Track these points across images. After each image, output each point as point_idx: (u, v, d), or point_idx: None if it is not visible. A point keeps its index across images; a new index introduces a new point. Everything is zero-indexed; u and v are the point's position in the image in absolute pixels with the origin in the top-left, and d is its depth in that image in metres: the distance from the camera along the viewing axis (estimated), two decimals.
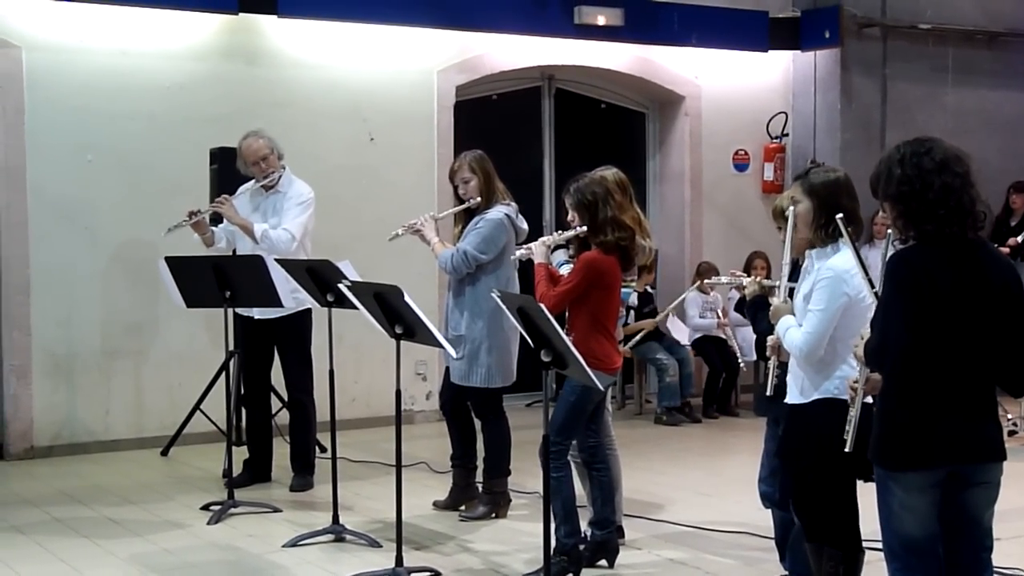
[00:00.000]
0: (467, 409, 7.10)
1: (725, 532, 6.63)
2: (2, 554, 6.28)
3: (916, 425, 3.85)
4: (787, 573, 5.31)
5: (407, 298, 5.50)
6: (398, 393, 5.81)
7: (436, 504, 7.19)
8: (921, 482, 3.89)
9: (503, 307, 5.32)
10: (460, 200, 6.93)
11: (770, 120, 11.68)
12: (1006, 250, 10.80)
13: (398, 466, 5.86)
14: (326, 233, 8.32)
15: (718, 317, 10.56)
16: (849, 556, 4.74)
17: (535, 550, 5.86)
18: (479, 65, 10.41)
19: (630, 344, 9.83)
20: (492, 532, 6.73)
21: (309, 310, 7.54)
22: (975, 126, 11.52)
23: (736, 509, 6.96)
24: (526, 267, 6.33)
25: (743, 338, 10.05)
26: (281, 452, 7.96)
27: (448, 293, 7.04)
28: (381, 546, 6.30)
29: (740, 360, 9.86)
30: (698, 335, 10.69)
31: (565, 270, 6.08)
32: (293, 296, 7.07)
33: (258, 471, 7.86)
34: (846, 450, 4.19)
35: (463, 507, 7.08)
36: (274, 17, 9.38)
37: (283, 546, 6.39)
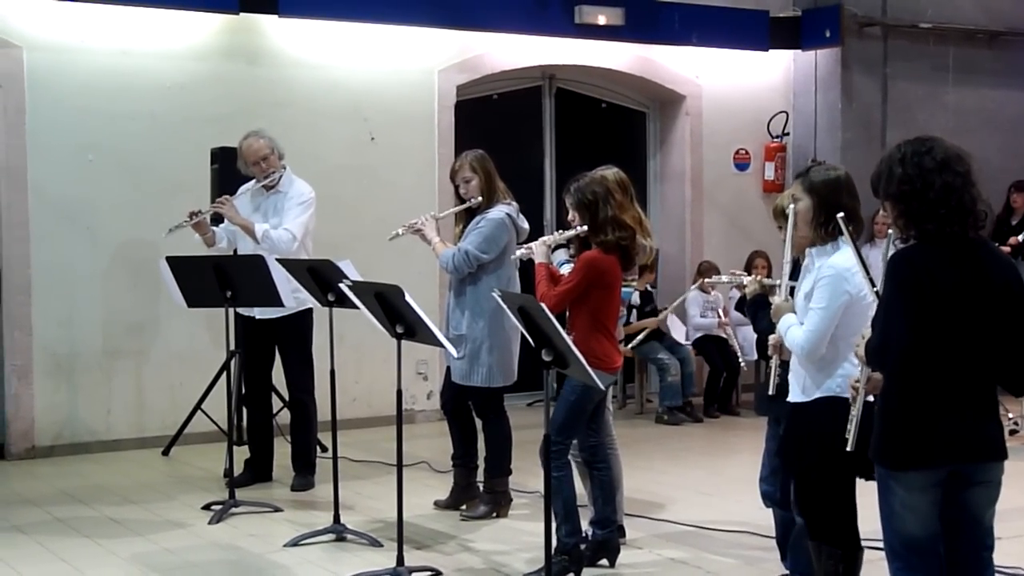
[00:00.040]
0: (468, 408, 7.10)
1: (726, 531, 6.63)
2: (4, 554, 6.29)
3: (917, 424, 3.85)
4: (788, 572, 5.32)
5: (408, 297, 5.50)
6: (399, 393, 5.81)
7: (437, 504, 7.20)
8: (922, 481, 3.89)
9: (504, 306, 5.32)
10: (461, 200, 6.93)
11: (771, 119, 11.67)
12: (1007, 249, 10.80)
13: (399, 465, 5.86)
14: (327, 233, 8.32)
15: (719, 316, 10.56)
16: (848, 555, 4.74)
17: (536, 549, 5.86)
18: (480, 65, 10.41)
19: (632, 344, 9.84)
20: (493, 531, 6.74)
21: (310, 310, 7.54)
22: (976, 125, 11.52)
23: (737, 508, 6.96)
24: (527, 267, 6.33)
25: (744, 337, 10.05)
26: (282, 452, 7.97)
27: (449, 293, 7.04)
28: (382, 545, 6.30)
29: (741, 359, 9.86)
30: (699, 334, 10.70)
31: (566, 270, 6.08)
32: (294, 296, 7.07)
33: (259, 471, 7.87)
34: (848, 449, 4.19)
35: (464, 506, 7.09)
36: (275, 17, 9.38)
37: (284, 546, 6.39)
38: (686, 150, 11.47)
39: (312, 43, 9.64)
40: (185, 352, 9.19)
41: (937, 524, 3.93)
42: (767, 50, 11.52)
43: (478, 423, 7.11)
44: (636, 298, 10.25)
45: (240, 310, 7.59)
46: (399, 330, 5.66)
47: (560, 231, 6.06)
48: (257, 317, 7.59)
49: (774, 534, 5.63)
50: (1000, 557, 4.17)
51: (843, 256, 4.56)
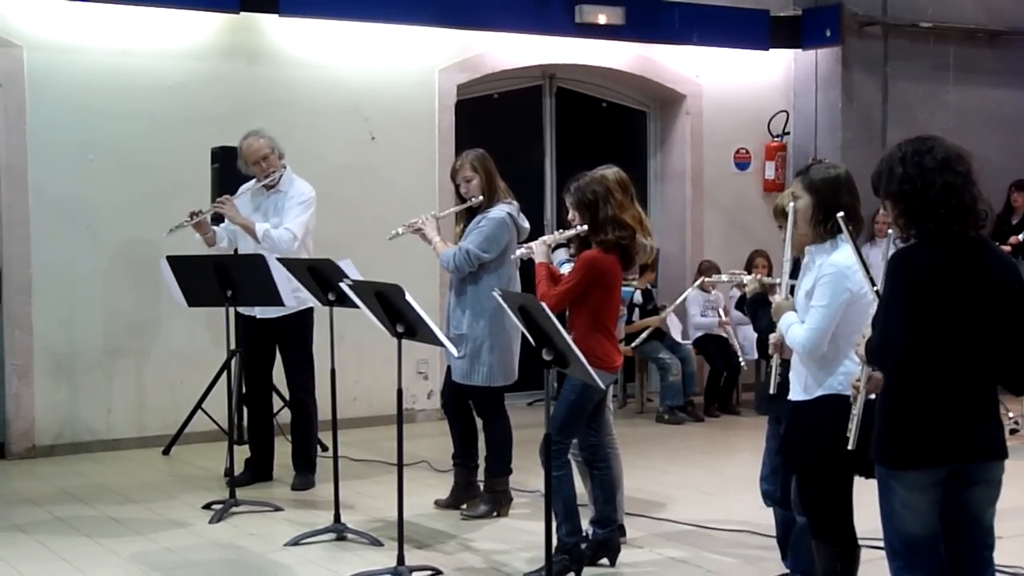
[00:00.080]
0: (469, 408, 7.10)
1: (726, 531, 6.63)
2: (4, 553, 6.29)
3: (918, 424, 3.85)
4: (788, 571, 5.32)
5: (408, 297, 5.50)
6: (399, 392, 5.82)
7: (438, 503, 7.20)
8: (923, 480, 3.89)
9: (505, 306, 5.32)
10: (462, 199, 6.93)
11: (771, 119, 11.67)
12: (1008, 248, 10.81)
13: (399, 465, 5.86)
14: (327, 232, 8.33)
15: (719, 316, 10.56)
16: (846, 553, 4.74)
17: (537, 549, 5.86)
18: (480, 64, 10.41)
19: (635, 343, 9.87)
20: (494, 531, 6.74)
21: (311, 309, 7.54)
22: (976, 124, 11.52)
23: (737, 508, 6.96)
24: (527, 266, 6.33)
25: (744, 337, 10.05)
26: (283, 451, 7.97)
27: (450, 292, 7.04)
28: (383, 545, 6.31)
29: (741, 359, 9.86)
30: (699, 334, 10.70)
31: (566, 269, 6.08)
32: (295, 295, 7.08)
33: (260, 470, 7.87)
34: (849, 448, 4.18)
35: (465, 506, 7.09)
36: (275, 16, 9.39)
37: (285, 545, 6.40)
38: (686, 149, 11.47)
39: (312, 42, 9.64)
40: (186, 351, 9.19)
41: (937, 523, 3.93)
42: (767, 49, 11.52)
43: (479, 422, 7.11)
44: (639, 297, 10.27)
45: (241, 309, 7.59)
46: (399, 329, 5.67)
47: (560, 230, 6.06)
48: (258, 316, 7.59)
49: (775, 533, 5.63)
50: (1000, 556, 4.17)
51: (843, 254, 4.55)
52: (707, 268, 10.43)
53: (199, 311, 8.48)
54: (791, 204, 4.78)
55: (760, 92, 11.65)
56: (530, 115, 11.11)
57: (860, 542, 4.89)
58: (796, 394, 4.72)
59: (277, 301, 7.02)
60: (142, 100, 9.04)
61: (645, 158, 11.76)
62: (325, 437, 7.92)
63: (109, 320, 9.01)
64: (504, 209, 6.83)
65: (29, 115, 8.72)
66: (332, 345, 6.50)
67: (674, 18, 10.96)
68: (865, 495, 4.37)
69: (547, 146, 11.20)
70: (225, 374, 7.76)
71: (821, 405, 4.60)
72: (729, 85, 11.50)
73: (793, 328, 4.64)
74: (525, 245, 6.22)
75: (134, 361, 9.10)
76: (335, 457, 6.63)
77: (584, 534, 5.98)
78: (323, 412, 7.42)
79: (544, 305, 4.92)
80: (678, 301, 9.75)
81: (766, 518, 5.77)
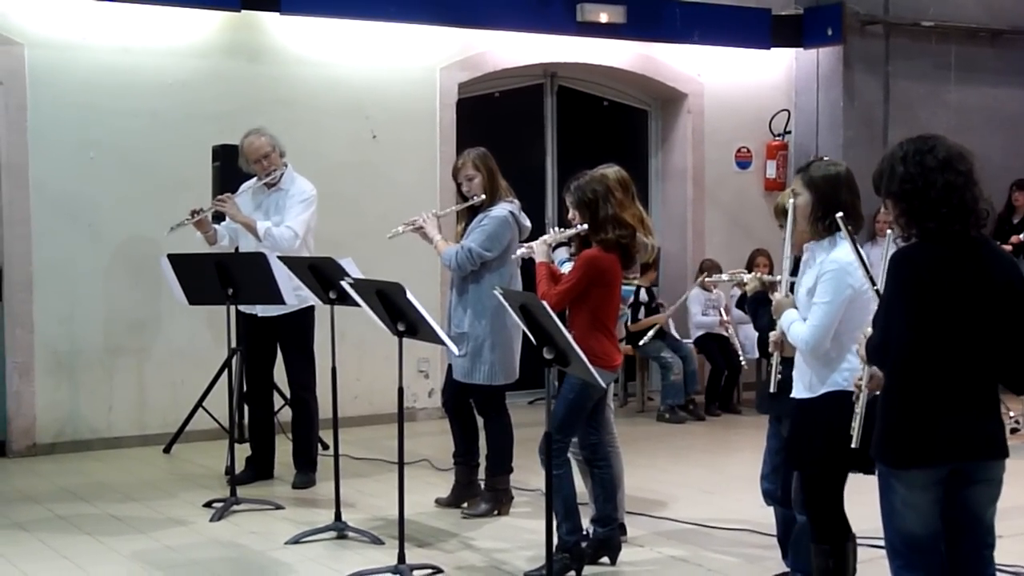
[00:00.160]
0: (470, 406, 7.10)
1: (727, 529, 6.63)
2: (5, 551, 6.29)
3: (918, 422, 3.85)
4: (789, 570, 5.32)
5: (409, 295, 5.50)
6: (400, 390, 5.82)
7: (438, 501, 7.20)
8: (923, 479, 3.89)
9: (506, 304, 5.32)
10: (463, 197, 6.92)
11: (772, 117, 11.67)
12: (1009, 248, 10.80)
13: (400, 463, 5.86)
14: (328, 230, 8.33)
15: (720, 315, 10.56)
16: (838, 548, 4.74)
17: (537, 547, 5.87)
18: (482, 63, 10.41)
19: (642, 341, 9.90)
20: (494, 529, 6.74)
21: (312, 307, 7.54)
22: (978, 123, 11.51)
23: (738, 507, 6.96)
24: (529, 265, 6.33)
25: (745, 335, 10.02)
26: (283, 449, 7.97)
27: (451, 291, 7.04)
28: (383, 543, 6.31)
29: (742, 358, 9.84)
30: (701, 332, 10.70)
31: (567, 268, 6.07)
32: (296, 293, 7.08)
33: (260, 468, 7.87)
34: (853, 446, 4.18)
35: (465, 504, 7.09)
36: (276, 14, 9.38)
37: (285, 543, 6.40)
38: (688, 148, 11.47)
39: (314, 40, 9.64)
40: (186, 349, 9.19)
41: (938, 522, 3.93)
42: (769, 48, 11.52)
43: (479, 421, 7.11)
44: (644, 295, 10.29)
45: (242, 308, 7.59)
46: (400, 328, 5.67)
47: (560, 228, 6.06)
48: (259, 315, 7.59)
49: (775, 532, 5.62)
50: (1001, 555, 4.17)
51: (843, 250, 4.55)
52: (709, 267, 10.42)
53: (200, 309, 8.48)
54: (791, 201, 4.78)
55: (761, 91, 11.65)
56: (531, 114, 11.11)
57: (860, 541, 4.90)
58: (800, 392, 4.72)
59: (278, 299, 7.02)
60: (143, 98, 9.04)
61: (646, 157, 11.76)
62: (326, 435, 7.92)
63: (110, 318, 9.01)
64: (506, 208, 6.82)
65: (30, 113, 8.72)
66: (333, 343, 6.50)
67: (675, 17, 10.96)
68: (865, 493, 4.37)
69: (548, 145, 11.19)
70: (226, 372, 7.76)
71: (825, 402, 4.60)
72: (730, 84, 11.49)
73: (795, 325, 4.64)
74: (526, 245, 6.22)
75: (135, 359, 9.11)
76: (336, 455, 6.63)
77: (585, 533, 5.98)
78: (324, 410, 7.42)
79: (545, 304, 4.92)
80: (681, 300, 9.75)
81: (767, 517, 5.77)
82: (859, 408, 4.17)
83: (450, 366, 7.06)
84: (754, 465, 5.76)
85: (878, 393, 4.12)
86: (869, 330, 3.96)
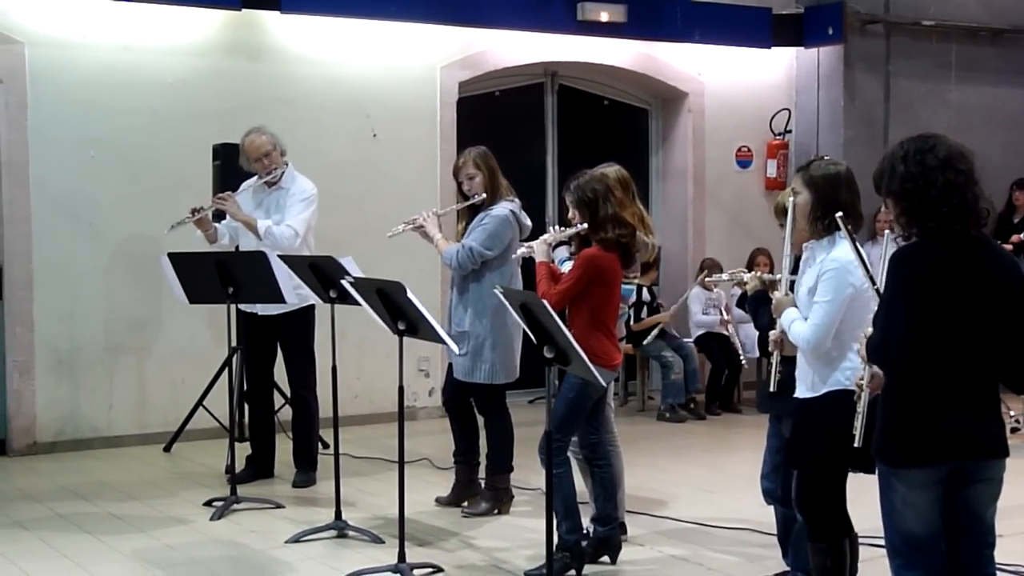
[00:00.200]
0: (470, 405, 7.10)
1: (727, 528, 6.63)
2: (6, 550, 6.29)
3: (919, 422, 3.85)
4: (789, 569, 5.32)
5: (410, 294, 5.50)
6: (401, 389, 5.82)
7: (439, 500, 7.19)
8: (924, 479, 3.89)
9: (506, 303, 5.32)
10: (464, 196, 6.92)
11: (773, 117, 11.67)
12: (1009, 247, 10.79)
13: (401, 462, 5.86)
14: (329, 229, 8.32)
15: (721, 314, 10.56)
16: (836, 546, 4.74)
17: (538, 546, 5.86)
18: (482, 61, 10.41)
19: (646, 341, 9.95)
20: (495, 528, 6.74)
21: (312, 306, 7.54)
22: (978, 123, 11.51)
23: (738, 505, 6.96)
24: (529, 264, 6.33)
25: (746, 335, 10.04)
26: (284, 448, 7.97)
27: (452, 289, 7.04)
28: (384, 542, 6.31)
29: (743, 357, 9.86)
30: (701, 332, 10.70)
31: (568, 267, 6.07)
32: (296, 292, 7.08)
33: (261, 467, 7.87)
34: (856, 445, 4.18)
35: (466, 503, 7.09)
36: (277, 13, 9.38)
37: (286, 542, 6.40)
38: (688, 147, 11.46)
39: (314, 39, 9.64)
40: (187, 348, 9.19)
41: (938, 521, 3.93)
42: (770, 47, 11.51)
43: (480, 420, 7.11)
44: (646, 294, 10.30)
45: (242, 306, 7.59)
46: (401, 327, 5.67)
47: (560, 228, 6.05)
48: (259, 313, 7.59)
49: (775, 531, 5.62)
50: (1001, 554, 4.17)
51: (843, 249, 4.55)
52: (709, 266, 10.42)
53: (200, 308, 8.48)
54: (791, 200, 4.78)
55: (762, 90, 11.65)
56: (532, 112, 11.11)
57: (861, 540, 4.90)
58: (802, 392, 4.72)
59: (278, 298, 7.02)
60: (143, 96, 9.04)
61: (647, 156, 11.76)
62: (326, 434, 7.92)
63: (110, 317, 9.01)
64: (507, 206, 6.82)
65: (30, 111, 8.72)
66: (333, 342, 6.50)
67: (676, 16, 10.96)
68: (866, 492, 4.37)
69: (549, 144, 11.19)
70: (226, 371, 7.76)
71: (827, 401, 4.60)
72: (731, 83, 11.49)
73: (796, 324, 4.63)
74: (526, 244, 6.22)
75: (135, 358, 9.11)
76: (336, 454, 6.63)
77: (585, 532, 5.98)
78: (324, 409, 7.41)
79: (545, 303, 4.92)
80: (682, 299, 9.79)
81: (767, 516, 5.77)
82: (861, 407, 4.17)
83: (450, 365, 7.06)
84: (754, 464, 5.76)
85: (879, 393, 4.13)
86: (870, 329, 3.96)
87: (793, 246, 4.85)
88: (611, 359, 5.87)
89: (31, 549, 6.33)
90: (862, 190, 4.71)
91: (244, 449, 7.96)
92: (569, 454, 5.96)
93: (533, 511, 6.92)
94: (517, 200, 6.93)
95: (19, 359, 8.73)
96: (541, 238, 6.05)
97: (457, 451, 7.18)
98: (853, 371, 4.45)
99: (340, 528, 6.48)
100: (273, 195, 7.61)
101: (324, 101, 9.65)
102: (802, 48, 11.69)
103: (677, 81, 11.34)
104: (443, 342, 5.73)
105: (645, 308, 10.34)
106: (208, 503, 7.14)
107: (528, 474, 7.34)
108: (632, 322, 10.24)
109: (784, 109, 11.71)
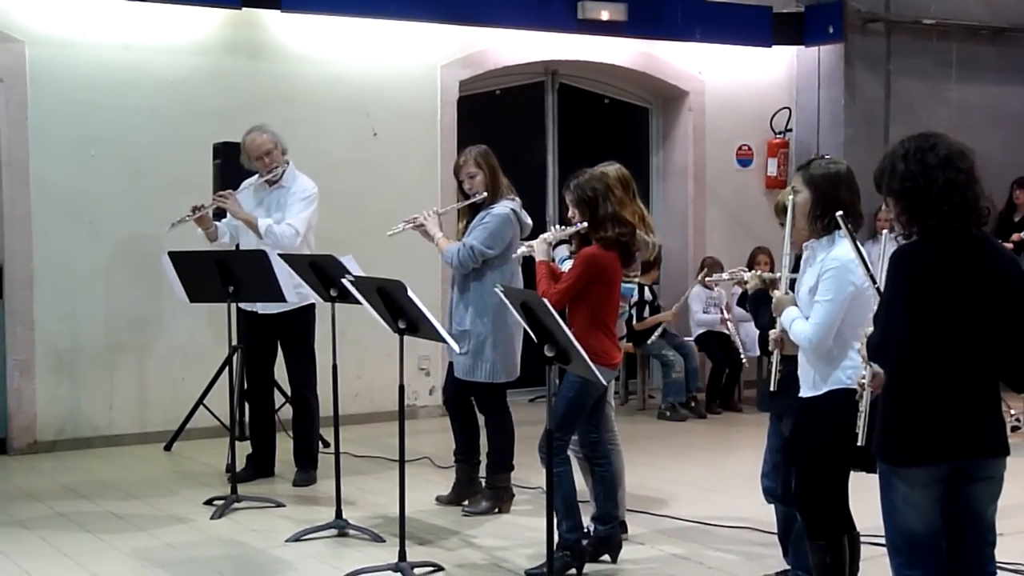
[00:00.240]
0: (471, 404, 7.10)
1: (728, 527, 6.63)
2: (5, 549, 6.29)
3: (919, 421, 3.85)
4: (789, 568, 5.32)
5: (410, 293, 5.50)
6: (401, 388, 5.82)
7: (439, 499, 7.20)
8: (924, 477, 3.89)
9: (507, 302, 5.31)
10: (464, 195, 6.92)
11: (774, 115, 11.67)
12: (1010, 246, 10.79)
13: (401, 461, 5.86)
14: (329, 228, 8.32)
15: (722, 313, 10.56)
16: (832, 544, 4.74)
17: (538, 545, 5.87)
18: (483, 60, 10.40)
19: (649, 340, 9.95)
20: (495, 527, 6.74)
21: (312, 305, 7.54)
22: (979, 121, 11.50)
23: (739, 504, 6.96)
24: (529, 263, 6.33)
25: (746, 333, 10.05)
26: (284, 447, 7.97)
27: (452, 288, 7.03)
28: (384, 541, 6.31)
29: (743, 355, 9.86)
30: (702, 330, 10.70)
31: (568, 266, 6.07)
32: (296, 291, 7.08)
33: (261, 466, 7.87)
34: (859, 444, 4.17)
35: (466, 502, 7.09)
36: (277, 12, 9.38)
37: (286, 541, 6.40)
38: (689, 146, 11.46)
39: (315, 38, 9.64)
40: (187, 347, 9.19)
41: (939, 520, 3.93)
42: (770, 46, 11.51)
43: (480, 419, 7.11)
44: (648, 293, 10.30)
45: (242, 305, 7.59)
46: (401, 326, 5.66)
47: (560, 227, 6.05)
48: (259, 312, 7.59)
49: (776, 530, 5.62)
50: (1002, 553, 4.16)
51: (844, 248, 4.55)
52: (710, 264, 10.42)
53: (200, 307, 8.46)
54: (791, 198, 4.78)
55: (762, 89, 11.64)
56: (532, 111, 11.11)
57: (862, 539, 4.90)
58: (804, 391, 4.72)
59: (279, 297, 7.02)
60: (144, 95, 9.03)
61: (647, 155, 11.75)
62: (327, 433, 7.92)
63: (111, 315, 9.01)
64: (507, 205, 6.82)
65: (31, 110, 8.72)
66: (334, 341, 6.49)
67: (677, 14, 10.96)
68: (867, 491, 4.37)
69: (549, 142, 11.19)
70: (227, 370, 7.76)
71: (829, 400, 4.60)
72: (731, 82, 11.49)
73: (797, 323, 4.63)
74: (526, 244, 6.22)
75: (136, 357, 9.11)
76: (336, 453, 6.63)
77: (585, 530, 5.98)
78: (325, 408, 7.41)
79: (546, 301, 4.92)
80: (684, 298, 9.79)
81: (767, 515, 5.77)
82: (863, 406, 4.16)
83: (451, 364, 7.06)
84: (755, 463, 5.76)
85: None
86: (870, 328, 3.96)
87: (793, 245, 4.85)
88: (611, 358, 5.87)
89: (32, 548, 6.34)
90: (862, 189, 4.71)
91: (244, 448, 7.96)
92: (569, 453, 5.96)
93: (534, 510, 6.92)
94: (518, 199, 6.93)
95: (19, 358, 8.73)
96: (541, 237, 6.04)
97: (457, 450, 7.18)
98: (854, 370, 4.45)
99: (341, 527, 6.48)
100: (274, 194, 7.61)
101: (325, 100, 9.65)
102: (803, 47, 11.68)
103: (678, 80, 11.34)
104: (444, 341, 5.73)
105: (647, 307, 10.35)
106: (209, 502, 7.14)
107: (528, 473, 7.34)
108: (633, 321, 10.24)
109: (784, 108, 11.70)
